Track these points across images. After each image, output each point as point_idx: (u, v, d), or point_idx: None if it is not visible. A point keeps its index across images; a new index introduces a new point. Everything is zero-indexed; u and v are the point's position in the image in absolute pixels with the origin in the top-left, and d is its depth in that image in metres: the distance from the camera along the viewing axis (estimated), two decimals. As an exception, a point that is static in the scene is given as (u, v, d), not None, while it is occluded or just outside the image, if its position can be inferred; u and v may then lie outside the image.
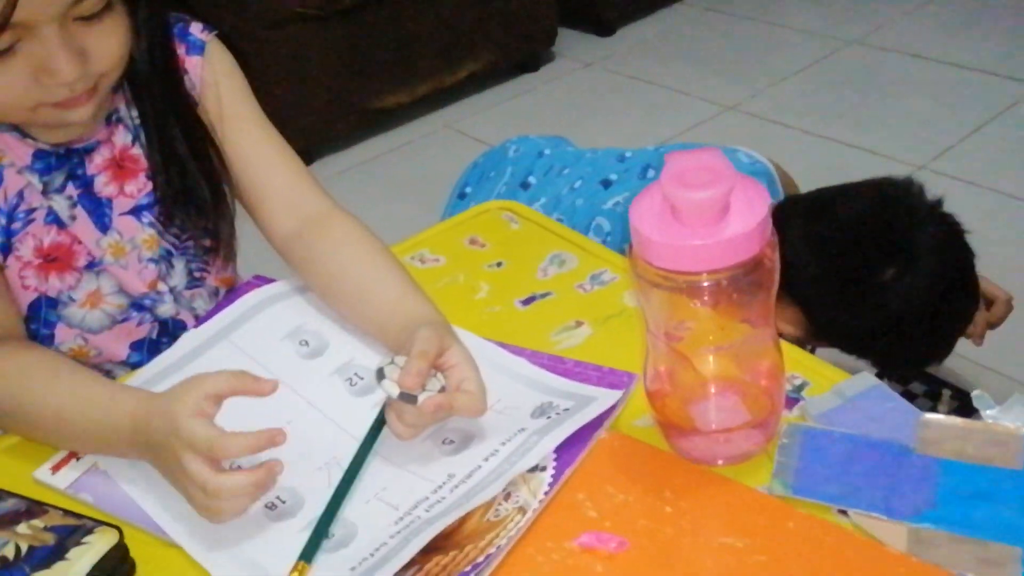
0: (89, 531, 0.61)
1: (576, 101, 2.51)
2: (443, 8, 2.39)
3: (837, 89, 2.38)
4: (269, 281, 0.86)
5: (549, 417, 0.67)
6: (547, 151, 1.43)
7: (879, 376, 1.25)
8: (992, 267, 1.29)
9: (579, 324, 0.79)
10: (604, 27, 2.80)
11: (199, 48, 0.80)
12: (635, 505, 0.61)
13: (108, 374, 0.82)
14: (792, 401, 0.68)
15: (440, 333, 0.67)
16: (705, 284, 0.56)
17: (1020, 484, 0.58)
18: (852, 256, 1.10)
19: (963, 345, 1.43)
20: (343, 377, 0.74)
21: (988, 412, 0.63)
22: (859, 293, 1.10)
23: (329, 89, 2.28)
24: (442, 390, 0.65)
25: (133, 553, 0.61)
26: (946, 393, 1.41)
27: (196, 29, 0.81)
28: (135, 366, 0.82)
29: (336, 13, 2.22)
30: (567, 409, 0.68)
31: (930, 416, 0.64)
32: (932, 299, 1.09)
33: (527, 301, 0.83)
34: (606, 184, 1.33)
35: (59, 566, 0.58)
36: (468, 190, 1.45)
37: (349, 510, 0.64)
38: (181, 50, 0.80)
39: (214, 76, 0.80)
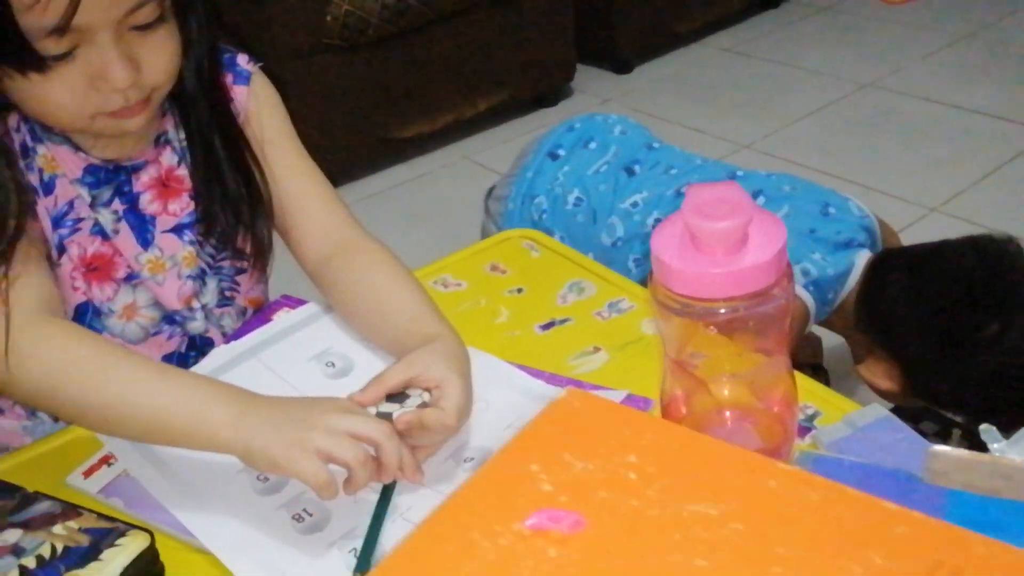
0: (122, 533, 0.63)
1: (593, 136, 2.55)
2: (464, 42, 2.44)
3: (851, 131, 2.41)
4: (298, 301, 0.89)
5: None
6: (656, 144, 1.40)
7: (961, 429, 1.26)
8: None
9: (597, 350, 0.82)
10: (622, 64, 2.85)
11: (245, 78, 0.84)
12: (596, 475, 0.52)
13: None
14: (804, 430, 0.70)
15: (427, 355, 0.69)
16: (722, 311, 0.58)
17: (1026, 515, 0.60)
18: (954, 312, 1.11)
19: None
20: None
21: (995, 445, 0.65)
22: (961, 349, 1.11)
23: (351, 119, 2.33)
24: (422, 405, 0.67)
25: (162, 556, 0.63)
26: (956, 433, 1.42)
27: (243, 60, 0.85)
28: (164, 379, 0.84)
29: (360, 45, 2.27)
30: None
31: (938, 448, 0.66)
32: (1018, 355, 1.10)
33: (546, 326, 0.85)
34: None
35: (93, 566, 0.60)
36: (562, 152, 1.39)
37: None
38: (228, 79, 0.84)
39: (259, 106, 0.84)
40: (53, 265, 0.78)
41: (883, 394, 1.26)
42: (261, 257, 0.87)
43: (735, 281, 0.57)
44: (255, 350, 0.83)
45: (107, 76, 0.69)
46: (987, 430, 0.65)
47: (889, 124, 2.43)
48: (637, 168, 1.35)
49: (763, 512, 0.49)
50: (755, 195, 1.32)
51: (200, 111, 0.81)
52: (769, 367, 0.64)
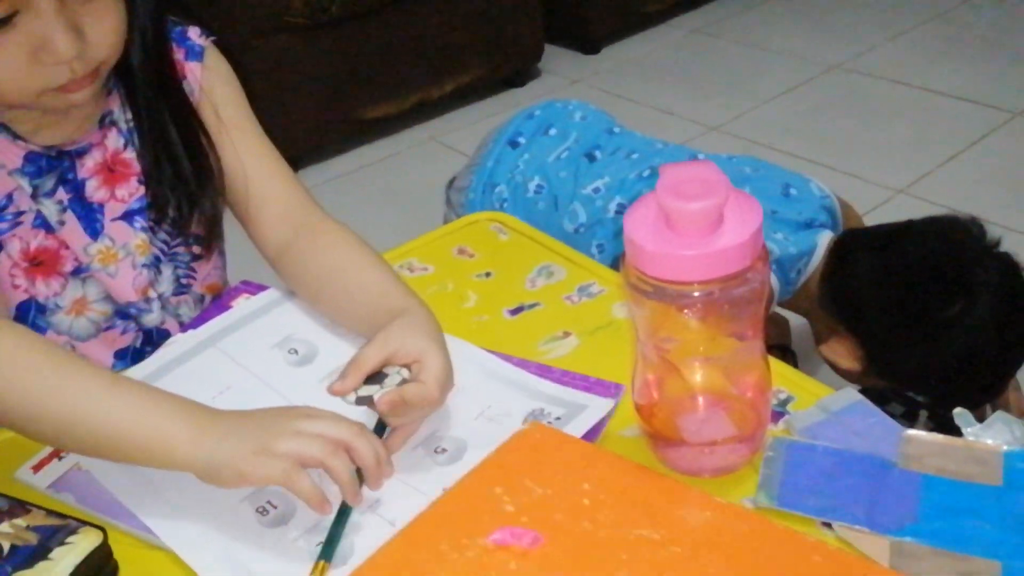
0: (73, 531, 0.60)
1: (561, 118, 2.53)
2: (431, 22, 2.40)
3: (820, 112, 2.41)
4: (258, 287, 0.86)
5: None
6: (616, 129, 1.39)
7: (928, 410, 1.27)
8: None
9: (567, 335, 0.80)
10: (590, 45, 2.82)
11: (198, 54, 0.80)
12: (553, 499, 0.60)
13: None
14: (777, 415, 0.69)
15: (401, 329, 0.67)
16: (696, 294, 0.57)
17: (1000, 500, 0.59)
18: (918, 293, 1.12)
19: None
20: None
21: (969, 430, 0.64)
22: (924, 329, 1.12)
23: (316, 99, 2.28)
24: (402, 382, 0.65)
25: (116, 554, 0.61)
26: (923, 414, 1.42)
27: (194, 34, 0.81)
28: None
29: (323, 23, 2.22)
30: (559, 418, 0.68)
31: (912, 432, 0.65)
32: (993, 336, 1.11)
33: (515, 311, 0.83)
34: None
35: (42, 566, 0.57)
36: (522, 140, 1.38)
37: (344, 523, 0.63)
38: (179, 55, 0.80)
39: (212, 83, 0.81)
40: None
41: (845, 374, 1.26)
42: (216, 240, 0.83)
43: (710, 263, 0.55)
44: (215, 338, 0.80)
45: (50, 48, 0.65)
46: (961, 414, 0.64)
47: (856, 106, 2.43)
48: (598, 153, 1.34)
49: (698, 538, 0.57)
50: None
51: (147, 88, 0.77)
52: (743, 352, 0.63)
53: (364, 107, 2.37)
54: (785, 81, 2.56)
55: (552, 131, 1.38)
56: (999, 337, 1.12)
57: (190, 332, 0.80)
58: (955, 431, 0.65)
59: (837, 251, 1.23)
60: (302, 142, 2.28)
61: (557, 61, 2.77)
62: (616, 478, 0.61)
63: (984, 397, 1.25)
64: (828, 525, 0.60)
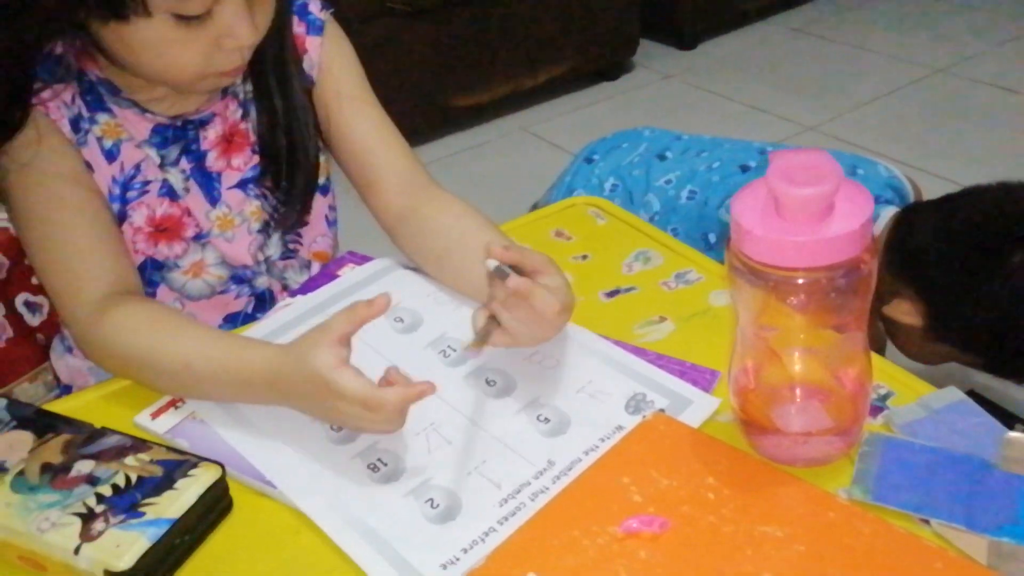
0: (194, 465, 0.64)
1: (653, 112, 2.52)
2: (526, 11, 2.42)
3: (921, 117, 2.35)
4: (364, 257, 0.89)
5: (644, 416, 0.68)
6: (684, 136, 1.46)
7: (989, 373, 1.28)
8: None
9: (663, 320, 0.81)
10: (686, 40, 2.81)
11: (318, 28, 0.83)
12: (679, 490, 0.61)
13: None
14: (876, 410, 0.68)
15: (535, 253, 0.70)
16: (801, 282, 0.57)
17: (1106, 507, 0.58)
18: (978, 242, 1.15)
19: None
20: (436, 350, 0.77)
21: (1074, 435, 0.63)
22: (984, 278, 1.14)
23: (411, 84, 2.33)
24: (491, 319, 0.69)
25: (231, 493, 0.64)
26: (1018, 427, 1.38)
27: (315, 8, 0.84)
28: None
29: (423, 11, 2.26)
30: (662, 410, 0.69)
31: (1014, 435, 0.64)
32: None
33: (611, 294, 0.84)
34: (744, 169, 1.34)
35: (168, 495, 0.61)
36: (596, 157, 1.46)
37: (451, 481, 0.65)
38: (301, 28, 0.83)
39: (332, 57, 0.84)
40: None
41: (906, 337, 1.27)
42: (315, 209, 0.86)
43: (817, 251, 0.55)
44: (323, 306, 0.83)
45: (234, 34, 0.69)
46: (1068, 419, 0.63)
47: (961, 112, 2.36)
48: (668, 154, 1.40)
49: (823, 538, 0.58)
50: None
51: (270, 62, 0.80)
52: (844, 343, 0.63)
53: (457, 95, 2.41)
54: (886, 83, 2.51)
55: (624, 145, 1.46)
56: None
57: (299, 298, 0.84)
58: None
59: (902, 219, 1.27)
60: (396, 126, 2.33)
61: (652, 55, 2.76)
62: (740, 474, 0.62)
63: None
64: (927, 522, 0.59)
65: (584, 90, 2.61)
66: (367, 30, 2.22)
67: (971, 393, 1.47)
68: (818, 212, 0.55)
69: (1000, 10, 2.83)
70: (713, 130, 2.40)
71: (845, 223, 0.55)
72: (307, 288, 0.86)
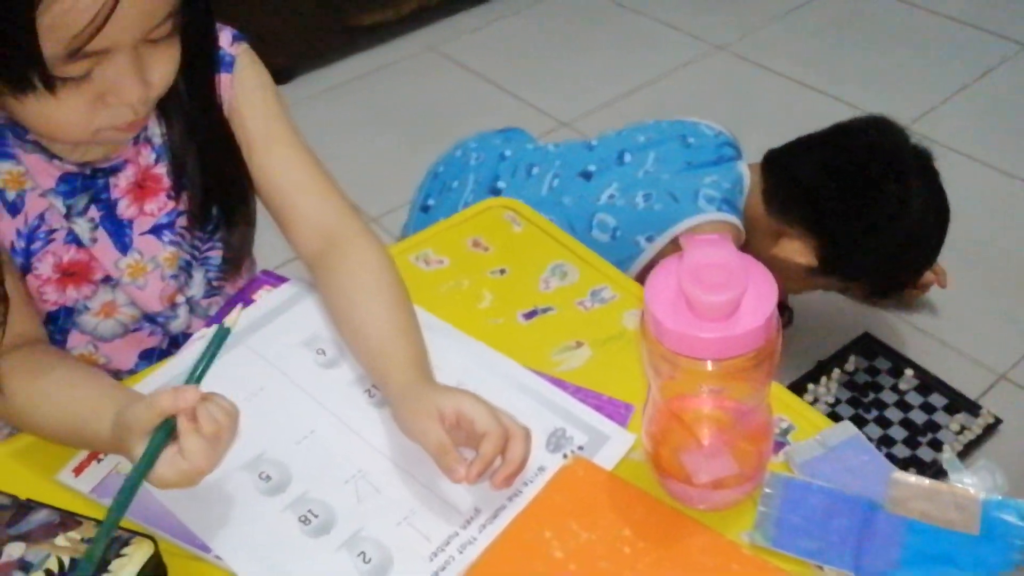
0: (125, 542, 0.64)
1: (562, 28, 2.47)
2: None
3: (824, 34, 2.37)
4: (278, 278, 0.88)
5: (565, 455, 0.71)
6: (507, 152, 1.42)
7: (913, 368, 1.46)
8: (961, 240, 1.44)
9: (579, 344, 0.83)
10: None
11: (228, 64, 0.80)
12: (597, 546, 0.66)
13: (116, 376, 0.84)
14: (779, 445, 0.73)
15: (443, 402, 0.69)
16: (710, 368, 0.60)
17: (976, 550, 0.65)
18: (865, 178, 1.29)
19: (945, 331, 1.53)
20: (362, 388, 0.78)
21: (954, 475, 0.69)
22: (873, 207, 1.28)
23: (308, 3, 2.22)
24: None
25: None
26: (908, 372, 1.49)
27: (226, 41, 0.80)
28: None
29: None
30: (582, 447, 0.72)
31: (899, 475, 0.70)
32: (931, 215, 1.32)
33: (529, 315, 0.86)
34: (586, 176, 1.35)
35: (103, 578, 0.62)
36: (431, 203, 1.43)
37: (382, 531, 0.68)
38: None
39: (241, 98, 0.80)
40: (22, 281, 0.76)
41: (793, 279, 1.36)
42: (247, 248, 0.85)
43: (727, 345, 0.58)
44: (242, 335, 0.82)
45: (120, 92, 0.66)
46: (950, 461, 0.69)
47: (864, 28, 2.38)
48: (500, 183, 1.37)
49: None
50: (620, 156, 1.37)
51: (183, 103, 0.77)
52: (750, 399, 0.67)
53: (359, 13, 2.31)
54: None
55: (454, 184, 1.41)
56: (935, 217, 1.32)
57: (214, 327, 0.83)
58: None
59: (773, 165, 1.36)
60: (296, 49, 2.23)
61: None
62: (654, 524, 0.68)
63: (915, 276, 1.46)
64: (820, 567, 0.65)
65: (493, 3, 2.54)
66: (262, -51, 2.09)
67: (866, 335, 1.58)
68: (727, 312, 0.57)
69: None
70: (624, 48, 2.39)
71: (752, 319, 0.58)
72: (221, 315, 0.86)
